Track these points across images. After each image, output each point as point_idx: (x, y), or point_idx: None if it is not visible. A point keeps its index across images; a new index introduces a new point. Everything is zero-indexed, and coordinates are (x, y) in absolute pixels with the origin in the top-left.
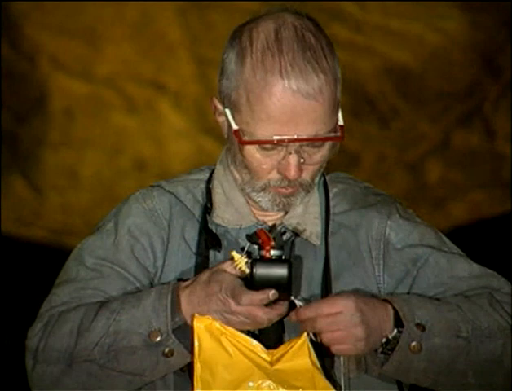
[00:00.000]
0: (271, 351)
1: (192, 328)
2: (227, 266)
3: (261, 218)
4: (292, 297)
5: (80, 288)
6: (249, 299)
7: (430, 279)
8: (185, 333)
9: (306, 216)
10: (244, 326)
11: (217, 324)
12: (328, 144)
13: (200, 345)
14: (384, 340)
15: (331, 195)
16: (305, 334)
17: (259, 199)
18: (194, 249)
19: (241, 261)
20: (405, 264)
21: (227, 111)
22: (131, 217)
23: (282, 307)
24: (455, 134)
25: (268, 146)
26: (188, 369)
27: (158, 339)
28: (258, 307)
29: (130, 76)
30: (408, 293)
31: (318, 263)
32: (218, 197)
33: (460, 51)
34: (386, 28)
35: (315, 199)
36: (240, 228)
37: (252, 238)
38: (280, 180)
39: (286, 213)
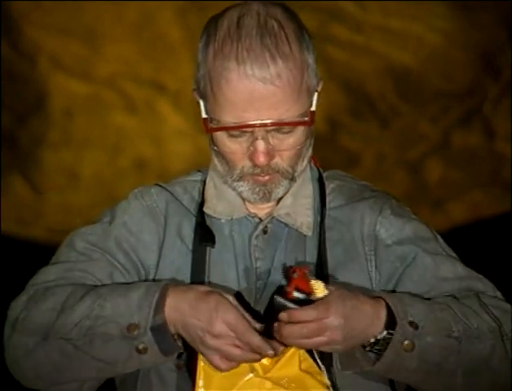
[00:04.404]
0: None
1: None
2: (232, 299)
3: (252, 210)
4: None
5: (68, 269)
6: (240, 323)
7: (414, 278)
8: (163, 334)
9: (296, 206)
10: (212, 356)
11: None
12: (299, 129)
13: None
14: (372, 339)
15: (328, 190)
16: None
17: (240, 189)
18: (190, 246)
19: (319, 286)
20: (393, 261)
21: (201, 101)
22: (129, 213)
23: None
24: (455, 134)
25: (235, 132)
26: (186, 366)
27: (135, 333)
28: (232, 344)
29: (130, 76)
30: (394, 291)
31: (313, 258)
32: (210, 191)
33: (460, 51)
34: (386, 28)
35: (307, 191)
36: (232, 219)
37: (285, 272)
38: (252, 167)
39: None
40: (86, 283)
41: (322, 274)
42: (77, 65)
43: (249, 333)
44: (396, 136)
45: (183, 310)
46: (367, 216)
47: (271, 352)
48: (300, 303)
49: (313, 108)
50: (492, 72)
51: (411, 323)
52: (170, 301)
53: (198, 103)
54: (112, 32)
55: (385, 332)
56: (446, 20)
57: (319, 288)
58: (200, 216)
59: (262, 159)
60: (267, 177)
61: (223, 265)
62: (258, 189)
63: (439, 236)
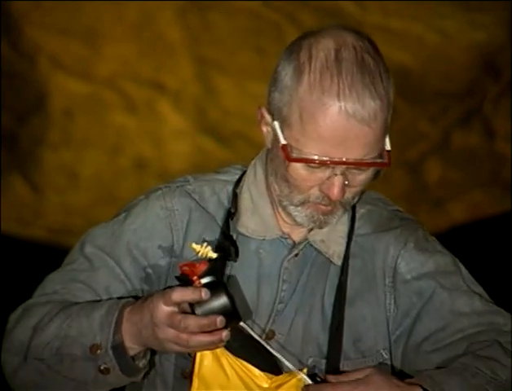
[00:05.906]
0: (272, 377)
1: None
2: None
3: (286, 231)
4: (242, 323)
5: (72, 279)
6: (179, 294)
7: (431, 314)
8: (124, 354)
9: (332, 234)
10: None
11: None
12: (373, 168)
13: (201, 361)
14: None
15: (358, 215)
16: (305, 370)
17: (296, 213)
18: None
19: (205, 249)
20: (410, 296)
21: (276, 124)
22: (142, 218)
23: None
24: (455, 134)
25: (315, 165)
26: (190, 375)
27: (97, 353)
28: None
29: (130, 76)
30: (413, 328)
31: (333, 285)
32: (244, 203)
33: (460, 51)
34: (386, 28)
35: (344, 217)
36: (264, 240)
37: (180, 278)
38: (320, 197)
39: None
40: (83, 297)
41: (340, 301)
42: (77, 65)
43: (185, 320)
44: (396, 136)
45: (137, 324)
46: (391, 247)
47: (218, 319)
48: (213, 288)
49: (388, 147)
50: (492, 72)
51: None
52: (126, 318)
53: (262, 121)
54: (112, 32)
55: None
56: (446, 20)
57: (204, 251)
58: (226, 226)
59: (338, 195)
60: (329, 208)
61: (243, 281)
62: (316, 217)
63: (463, 269)
